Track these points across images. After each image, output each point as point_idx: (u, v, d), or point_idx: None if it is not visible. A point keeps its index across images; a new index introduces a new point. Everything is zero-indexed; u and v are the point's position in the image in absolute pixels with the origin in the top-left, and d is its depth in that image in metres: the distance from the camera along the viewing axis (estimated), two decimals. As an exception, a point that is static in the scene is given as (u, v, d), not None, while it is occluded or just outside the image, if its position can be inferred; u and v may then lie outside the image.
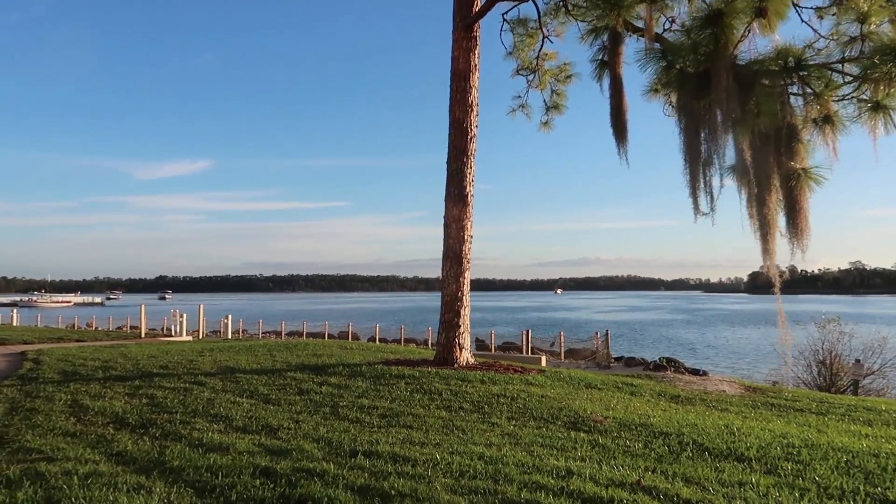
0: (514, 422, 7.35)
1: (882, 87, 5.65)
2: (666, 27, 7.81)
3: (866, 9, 5.99)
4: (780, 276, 6.66)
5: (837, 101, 6.19)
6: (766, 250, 7.08)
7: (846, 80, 6.17)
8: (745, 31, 6.10)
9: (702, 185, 6.30)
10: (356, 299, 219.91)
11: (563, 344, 28.70)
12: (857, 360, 19.20)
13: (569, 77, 13.86)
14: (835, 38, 5.94)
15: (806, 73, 6.15)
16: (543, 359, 21.52)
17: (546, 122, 13.98)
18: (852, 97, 6.28)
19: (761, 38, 6.43)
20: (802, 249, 6.25)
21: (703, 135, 6.26)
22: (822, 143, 6.26)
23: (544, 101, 14.09)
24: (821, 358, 20.24)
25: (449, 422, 7.16)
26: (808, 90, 6.26)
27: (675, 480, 4.80)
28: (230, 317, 36.28)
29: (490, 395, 8.96)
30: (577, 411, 7.97)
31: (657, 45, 7.44)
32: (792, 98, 6.17)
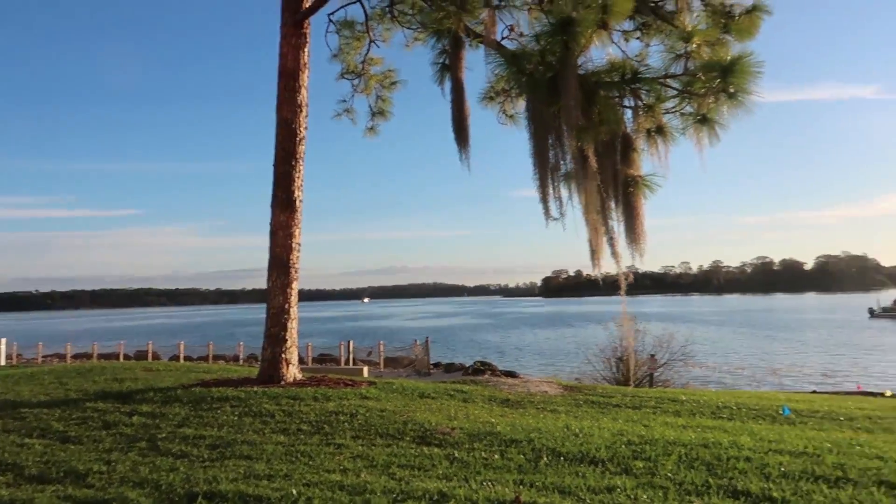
0: (360, 441, 6.88)
1: (708, 101, 6.04)
2: (504, 35, 7.88)
3: (690, 29, 6.42)
4: (627, 279, 6.91)
5: (666, 113, 6.57)
6: (597, 256, 7.35)
7: (673, 93, 6.55)
8: (587, 43, 6.25)
9: (551, 191, 6.36)
10: (153, 315, 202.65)
11: (382, 353, 28.54)
12: (652, 356, 21.27)
13: (394, 83, 13.69)
14: (667, 52, 6.28)
15: (640, 85, 6.45)
16: (365, 369, 21.16)
17: (371, 128, 13.67)
18: (675, 111, 6.67)
19: (598, 50, 6.67)
20: (640, 253, 6.55)
21: (550, 140, 6.33)
22: (655, 153, 6.61)
23: (370, 106, 13.78)
24: (619, 354, 22.14)
25: (290, 447, 6.51)
26: (641, 102, 6.57)
27: (551, 493, 4.69)
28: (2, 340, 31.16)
29: (327, 413, 8.39)
30: (422, 424, 7.70)
31: (495, 52, 7.44)
32: (630, 109, 6.48)
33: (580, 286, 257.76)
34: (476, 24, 7.72)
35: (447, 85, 7.78)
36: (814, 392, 21.48)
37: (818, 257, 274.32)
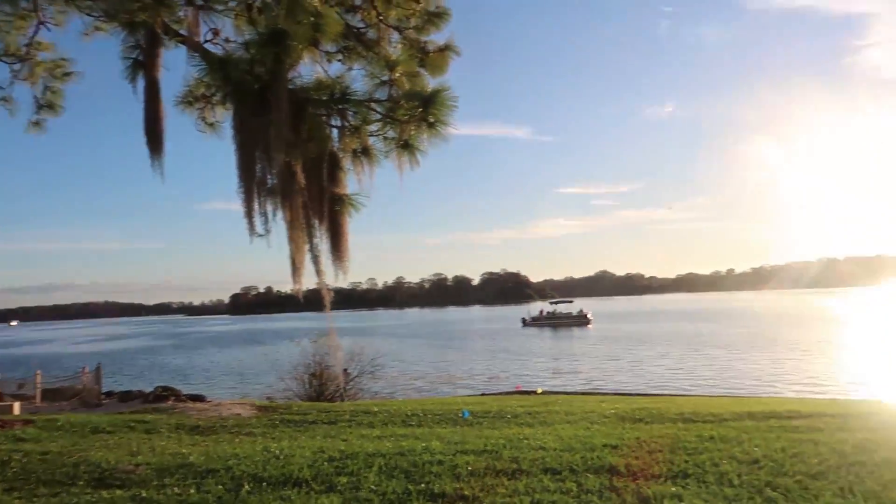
0: (17, 494, 5.76)
1: (409, 128, 6.44)
2: (207, 38, 7.39)
3: (394, 59, 6.80)
4: (329, 296, 6.93)
5: (371, 135, 6.83)
6: (299, 272, 7.31)
7: (378, 117, 6.85)
8: (297, 58, 6.21)
9: (256, 206, 6.12)
10: None
11: (39, 385, 24.43)
12: (346, 370, 21.81)
13: (68, 74, 11.96)
14: (370, 77, 6.53)
15: (347, 106, 6.60)
16: (16, 406, 17.95)
17: (37, 123, 11.74)
18: (379, 134, 6.99)
19: (306, 68, 6.68)
20: (344, 271, 6.65)
21: (258, 154, 6.11)
22: (360, 173, 6.81)
23: (35, 97, 11.83)
24: (313, 370, 22.27)
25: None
26: (349, 123, 6.74)
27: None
28: None
29: (-34, 464, 6.88)
30: (99, 464, 6.77)
31: (198, 55, 6.97)
32: (337, 128, 6.58)
33: (271, 303, 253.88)
34: (175, 21, 7.13)
35: (140, 84, 7.01)
36: (483, 394, 24.18)
37: (483, 274, 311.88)
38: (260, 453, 7.19)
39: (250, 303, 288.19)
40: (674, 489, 5.57)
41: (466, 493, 5.25)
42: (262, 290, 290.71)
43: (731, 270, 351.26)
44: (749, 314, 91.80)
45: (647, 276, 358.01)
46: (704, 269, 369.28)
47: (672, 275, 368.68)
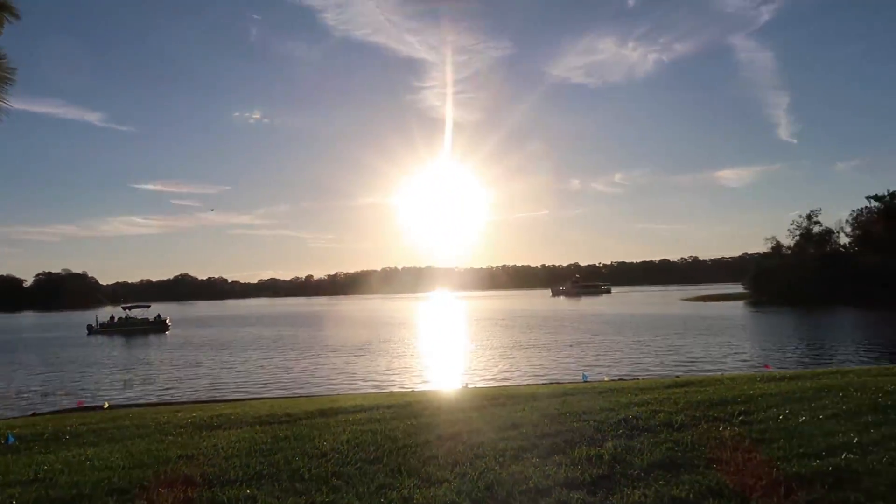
0: None
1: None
2: None
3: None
4: None
5: None
6: None
7: None
8: None
9: None
10: None
11: None
12: None
13: None
14: None
15: None
16: None
17: None
18: None
19: None
20: None
21: None
22: None
23: None
24: None
25: None
26: None
27: None
28: None
29: None
30: None
31: None
32: None
33: None
34: None
35: None
36: (35, 414, 20.82)
37: (38, 275, 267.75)
38: None
39: None
40: (248, 491, 5.72)
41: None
42: None
43: (310, 277, 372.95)
44: (326, 318, 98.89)
45: (229, 280, 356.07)
46: (286, 275, 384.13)
47: (254, 280, 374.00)
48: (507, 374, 30.26)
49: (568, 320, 71.34)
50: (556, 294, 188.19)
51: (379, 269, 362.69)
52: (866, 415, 7.67)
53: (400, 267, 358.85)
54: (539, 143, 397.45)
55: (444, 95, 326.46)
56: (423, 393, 16.98)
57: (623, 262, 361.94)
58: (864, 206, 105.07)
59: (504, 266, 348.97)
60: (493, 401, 11.28)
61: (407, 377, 30.93)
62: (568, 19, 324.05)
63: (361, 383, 29.37)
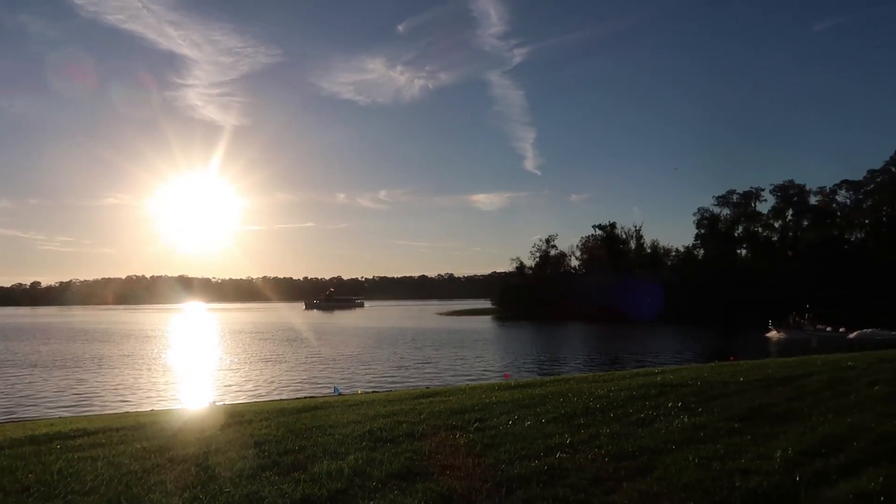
0: None
1: None
2: None
3: None
4: None
5: None
6: None
7: None
8: None
9: None
10: None
11: None
12: None
13: None
14: None
15: None
16: None
17: None
18: None
19: None
20: None
21: None
22: None
23: None
24: None
25: None
26: None
27: None
28: None
29: None
30: None
31: None
32: None
33: None
34: None
35: None
36: None
37: None
38: None
39: None
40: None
41: None
42: None
43: (37, 284, 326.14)
44: (53, 330, 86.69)
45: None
46: (5, 281, 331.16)
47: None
48: (259, 390, 29.15)
49: (325, 333, 71.14)
50: (309, 307, 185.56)
51: (123, 276, 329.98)
52: (579, 417, 8.66)
53: (149, 275, 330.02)
54: (306, 155, 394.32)
55: (206, 95, 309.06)
56: (161, 413, 15.59)
57: (385, 277, 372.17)
58: (590, 234, 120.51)
59: (265, 277, 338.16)
60: (239, 418, 10.72)
61: (146, 395, 28.24)
62: (341, 36, 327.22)
63: (90, 404, 26.17)
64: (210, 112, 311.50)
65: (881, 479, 5.64)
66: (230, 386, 30.86)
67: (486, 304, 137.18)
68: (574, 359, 43.21)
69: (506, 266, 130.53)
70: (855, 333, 54.10)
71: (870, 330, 54.63)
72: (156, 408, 22.58)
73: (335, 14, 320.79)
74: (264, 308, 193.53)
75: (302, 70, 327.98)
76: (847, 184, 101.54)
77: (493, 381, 23.68)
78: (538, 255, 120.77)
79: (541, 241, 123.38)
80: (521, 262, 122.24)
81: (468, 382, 23.44)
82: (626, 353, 46.52)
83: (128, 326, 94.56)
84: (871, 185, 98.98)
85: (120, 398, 27.51)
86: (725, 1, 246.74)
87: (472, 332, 72.90)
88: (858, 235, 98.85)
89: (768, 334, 59.84)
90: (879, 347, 36.86)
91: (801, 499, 5.26)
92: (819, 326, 58.93)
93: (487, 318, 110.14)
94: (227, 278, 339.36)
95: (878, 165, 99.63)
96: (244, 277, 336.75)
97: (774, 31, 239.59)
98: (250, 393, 28.18)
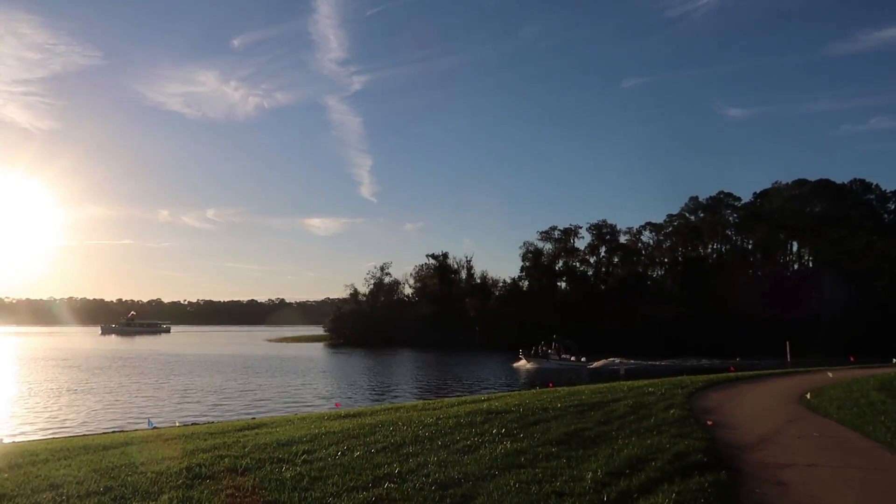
0: None
1: None
2: None
3: None
4: None
5: None
6: None
7: None
8: None
9: None
10: None
11: None
12: None
13: None
14: None
15: None
16: None
17: None
18: None
19: None
20: None
21: None
22: None
23: None
24: None
25: None
26: None
27: None
28: None
29: None
30: None
31: None
32: None
33: None
34: None
35: None
36: None
37: None
38: None
39: None
40: None
41: None
42: None
43: None
44: None
45: None
46: None
47: None
48: (60, 425, 26.13)
49: (133, 361, 65.61)
50: (106, 332, 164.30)
51: None
52: (408, 446, 8.75)
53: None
54: (126, 167, 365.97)
55: (5, 93, 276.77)
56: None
57: (211, 301, 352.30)
58: (423, 263, 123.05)
59: (71, 298, 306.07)
60: (33, 457, 9.55)
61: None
62: (171, 43, 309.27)
63: None
64: (10, 111, 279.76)
65: (674, 495, 6.28)
66: (21, 421, 27.36)
67: (318, 330, 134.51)
68: (405, 385, 43.56)
69: (340, 292, 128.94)
70: (599, 363, 59.00)
71: (613, 360, 59.89)
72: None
73: (165, 19, 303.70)
74: (55, 332, 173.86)
75: (124, 76, 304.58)
76: (651, 225, 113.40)
77: (323, 409, 23.17)
78: (372, 282, 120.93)
79: (375, 268, 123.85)
80: (356, 289, 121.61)
81: (298, 412, 22.75)
82: (448, 378, 47.74)
83: None
84: (670, 228, 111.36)
85: None
86: (529, 62, 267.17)
87: (304, 359, 71.02)
88: (659, 272, 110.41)
89: (516, 364, 61.64)
90: (614, 375, 41.92)
91: (608, 517, 5.70)
92: (564, 356, 62.65)
93: (320, 344, 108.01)
94: (25, 298, 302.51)
95: (675, 210, 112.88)
96: (46, 298, 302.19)
97: (587, 85, 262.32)
98: (48, 429, 25.17)
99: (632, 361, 61.14)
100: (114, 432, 18.22)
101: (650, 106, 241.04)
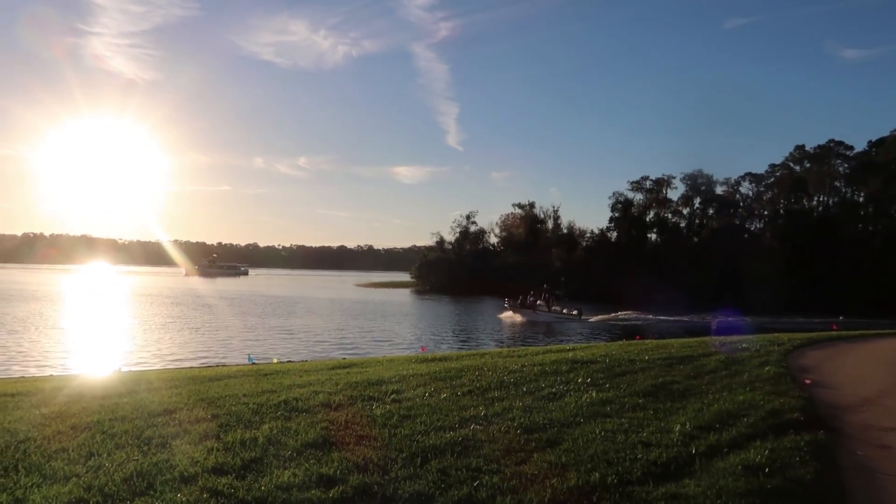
0: None
1: None
2: None
3: None
4: None
5: None
6: None
7: None
8: None
9: None
10: None
11: None
12: None
13: None
14: None
15: None
16: None
17: None
18: None
19: None
20: None
21: None
22: None
23: None
24: None
25: None
26: None
27: None
28: None
29: None
30: None
31: None
32: None
33: None
34: None
35: None
36: None
37: None
38: None
39: None
40: None
41: None
42: None
43: None
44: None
45: None
46: None
47: None
48: (168, 357, 28.21)
49: (232, 301, 69.36)
50: (189, 274, 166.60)
51: (19, 234, 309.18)
52: (493, 391, 8.89)
53: (48, 234, 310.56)
54: (222, 116, 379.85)
55: (114, 45, 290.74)
56: (62, 378, 14.85)
57: (303, 246, 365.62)
58: (510, 212, 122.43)
59: (177, 241, 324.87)
60: (148, 385, 10.38)
61: (44, 360, 26.80)
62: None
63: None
64: (118, 63, 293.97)
65: (766, 451, 6.11)
66: (136, 352, 29.70)
67: (405, 276, 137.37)
68: (489, 333, 44.07)
69: (426, 240, 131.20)
70: (598, 317, 54.64)
71: (626, 313, 55.45)
72: (54, 373, 21.48)
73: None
74: (145, 272, 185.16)
75: (220, 26, 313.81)
76: (750, 176, 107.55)
77: (409, 353, 23.85)
78: (458, 230, 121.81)
79: (461, 216, 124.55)
80: (441, 237, 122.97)
81: (385, 354, 23.52)
82: (537, 331, 47.81)
83: (20, 286, 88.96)
84: (772, 179, 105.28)
85: (16, 364, 25.98)
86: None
87: (391, 304, 72.98)
88: (758, 225, 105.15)
89: (502, 315, 56.73)
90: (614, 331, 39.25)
91: (696, 469, 5.64)
92: (555, 308, 56.47)
93: (406, 290, 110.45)
94: (136, 240, 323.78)
95: (778, 160, 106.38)
96: (153, 240, 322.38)
97: (687, 27, 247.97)
98: (159, 360, 27.23)
99: (650, 316, 55.03)
100: (217, 366, 19.51)
101: (754, 49, 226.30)
